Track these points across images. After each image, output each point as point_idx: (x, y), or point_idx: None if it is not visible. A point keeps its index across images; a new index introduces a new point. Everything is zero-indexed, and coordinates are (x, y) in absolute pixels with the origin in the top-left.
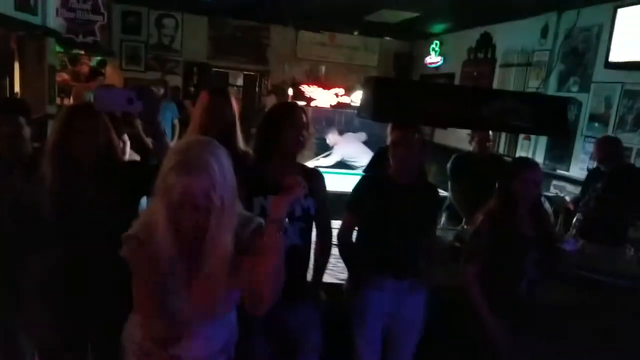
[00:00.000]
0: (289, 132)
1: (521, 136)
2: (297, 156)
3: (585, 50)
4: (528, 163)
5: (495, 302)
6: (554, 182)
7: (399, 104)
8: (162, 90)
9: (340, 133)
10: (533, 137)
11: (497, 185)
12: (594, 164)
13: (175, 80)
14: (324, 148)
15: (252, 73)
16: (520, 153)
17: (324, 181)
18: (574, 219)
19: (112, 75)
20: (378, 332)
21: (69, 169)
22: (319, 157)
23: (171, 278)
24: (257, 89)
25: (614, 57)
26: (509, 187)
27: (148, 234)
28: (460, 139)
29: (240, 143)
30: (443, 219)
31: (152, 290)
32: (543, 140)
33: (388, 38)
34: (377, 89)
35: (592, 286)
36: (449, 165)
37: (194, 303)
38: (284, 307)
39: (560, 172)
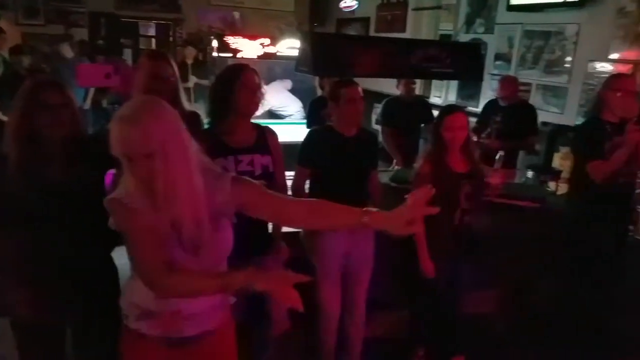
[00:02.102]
0: (243, 93)
1: None
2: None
3: None
4: (451, 110)
5: (436, 232)
6: None
7: (337, 58)
8: (67, 48)
9: (266, 82)
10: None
11: (430, 132)
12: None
13: (81, 34)
14: None
15: (164, 22)
16: (434, 93)
17: (277, 137)
18: (497, 155)
19: (8, 31)
20: (338, 272)
21: (35, 147)
22: None
23: (157, 231)
24: (171, 39)
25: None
26: (439, 133)
27: (128, 192)
28: (376, 82)
29: (185, 104)
30: None
31: (145, 247)
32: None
33: None
34: (315, 44)
35: (511, 211)
36: (380, 110)
37: (186, 253)
38: (250, 261)
39: (470, 108)
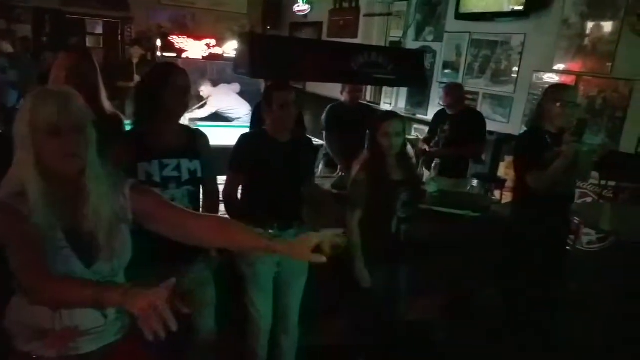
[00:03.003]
0: (172, 95)
1: None
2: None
3: (438, 2)
4: (387, 116)
5: (372, 240)
6: (415, 125)
7: (276, 61)
8: (6, 45)
9: (214, 84)
10: None
11: (366, 138)
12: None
13: (25, 30)
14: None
15: (112, 20)
16: (384, 100)
17: (208, 142)
18: (434, 163)
19: None
20: (269, 280)
21: None
22: (192, 108)
23: (52, 234)
24: (119, 38)
25: (462, 8)
26: (376, 139)
27: (15, 192)
28: (328, 87)
29: (106, 104)
30: (320, 167)
31: (35, 254)
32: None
33: None
34: (254, 46)
35: (450, 220)
36: (323, 116)
37: (80, 261)
38: (179, 269)
39: (420, 116)
